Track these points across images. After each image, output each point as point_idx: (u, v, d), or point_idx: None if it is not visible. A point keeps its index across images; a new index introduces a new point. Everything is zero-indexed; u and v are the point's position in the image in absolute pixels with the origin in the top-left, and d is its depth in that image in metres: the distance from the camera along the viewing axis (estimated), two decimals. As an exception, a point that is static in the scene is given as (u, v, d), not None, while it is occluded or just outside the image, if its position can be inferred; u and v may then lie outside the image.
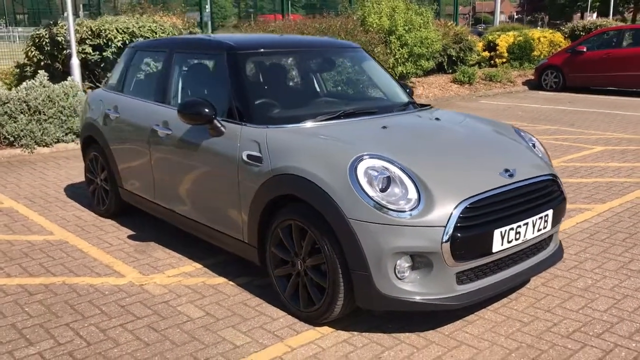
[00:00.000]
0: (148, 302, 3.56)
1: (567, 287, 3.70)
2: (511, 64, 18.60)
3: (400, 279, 2.93)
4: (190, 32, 10.96)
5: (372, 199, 2.91)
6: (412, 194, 2.94)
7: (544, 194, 3.35)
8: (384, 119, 3.78)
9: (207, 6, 24.94)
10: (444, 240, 2.87)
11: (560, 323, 3.26)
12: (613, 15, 49.78)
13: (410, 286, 2.95)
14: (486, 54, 18.94)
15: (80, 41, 9.95)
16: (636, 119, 10.59)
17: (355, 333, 3.16)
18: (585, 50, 14.87)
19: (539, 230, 3.28)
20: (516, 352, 2.97)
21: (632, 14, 48.82)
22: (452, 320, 3.28)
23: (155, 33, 10.36)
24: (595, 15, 50.00)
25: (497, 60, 18.75)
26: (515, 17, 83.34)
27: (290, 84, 4.43)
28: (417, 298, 2.95)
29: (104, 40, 10.13)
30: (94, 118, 5.07)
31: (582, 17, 54.57)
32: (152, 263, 4.16)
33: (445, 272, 2.95)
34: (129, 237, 4.71)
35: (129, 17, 10.80)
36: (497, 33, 19.92)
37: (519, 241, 3.17)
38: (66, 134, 8.28)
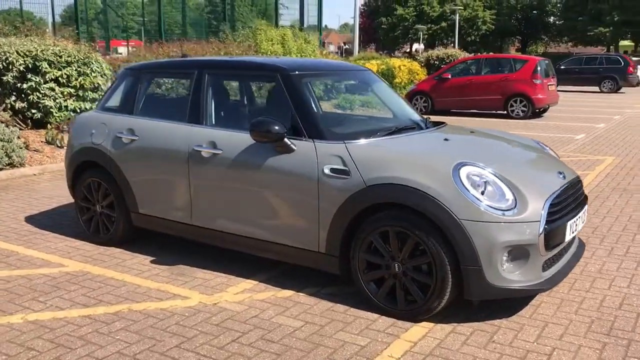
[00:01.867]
0: (239, 318, 3.59)
1: (585, 272, 4.36)
2: (376, 90, 20.04)
3: (504, 270, 3.34)
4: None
5: (478, 200, 3.31)
6: (509, 195, 3.39)
7: (582, 192, 3.99)
8: (434, 133, 4.20)
9: (47, 29, 23.71)
10: (539, 233, 3.35)
11: (605, 299, 3.87)
12: (436, 47, 55.22)
13: (512, 275, 3.37)
14: (353, 80, 20.19)
15: (-24, 65, 9.12)
16: (513, 137, 12.07)
17: (455, 324, 3.50)
18: (449, 77, 16.55)
19: (582, 222, 3.89)
20: (594, 324, 3.51)
21: (452, 45, 54.63)
22: (522, 306, 3.75)
23: (60, 57, 9.80)
24: (422, 46, 55.31)
25: (364, 86, 20.09)
26: (345, 47, 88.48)
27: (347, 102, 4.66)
28: (518, 285, 3.38)
29: (4, 63, 9.39)
30: (95, 142, 4.85)
31: (410, 48, 59.71)
32: (204, 284, 4.13)
33: (537, 261, 3.42)
34: (152, 262, 4.58)
35: (24, 40, 10.09)
36: (361, 62, 21.37)
37: (575, 232, 3.75)
38: (-19, 165, 7.59)
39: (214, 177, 4.19)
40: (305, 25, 25.61)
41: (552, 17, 58.93)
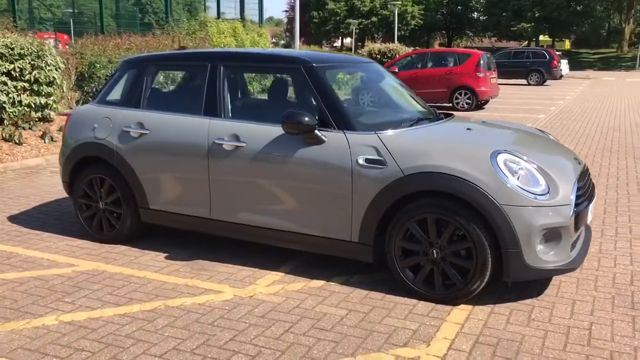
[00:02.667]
0: (281, 309, 3.60)
1: (589, 252, 4.62)
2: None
3: (539, 252, 3.52)
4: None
5: (517, 186, 3.46)
6: (542, 180, 3.56)
7: (591, 178, 4.24)
8: (453, 123, 4.33)
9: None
10: (571, 215, 3.55)
11: (616, 276, 4.14)
12: (367, 41, 55.92)
13: (547, 257, 3.55)
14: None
15: None
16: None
17: (491, 305, 3.66)
18: (397, 70, 16.87)
19: (595, 206, 4.13)
20: (616, 300, 3.75)
21: (381, 40, 55.68)
22: (544, 286, 3.95)
23: (12, 49, 9.32)
24: (350, 40, 56.26)
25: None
26: (272, 41, 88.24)
27: (363, 93, 4.71)
28: (552, 266, 3.57)
29: (-49, 56, 8.84)
30: (98, 137, 4.69)
31: (341, 42, 60.22)
32: (231, 277, 4.10)
33: (567, 242, 3.62)
34: (166, 258, 4.49)
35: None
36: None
37: (592, 215, 3.98)
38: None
39: (237, 170, 4.15)
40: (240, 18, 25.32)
41: (475, 13, 60.99)
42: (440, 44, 64.25)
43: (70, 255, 4.56)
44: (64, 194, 6.42)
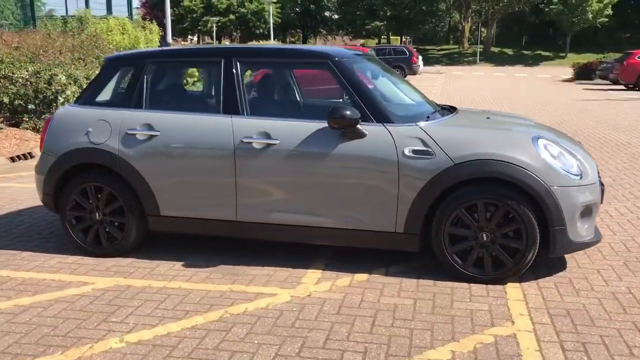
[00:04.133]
0: (350, 305, 3.57)
1: (573, 228, 5.08)
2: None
3: (578, 227, 3.83)
4: None
5: (560, 168, 3.75)
6: (574, 162, 3.88)
7: (586, 159, 4.67)
8: (472, 114, 4.54)
9: None
10: (599, 192, 3.91)
11: (613, 246, 4.61)
12: (224, 40, 55.38)
13: (583, 231, 3.88)
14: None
15: None
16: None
17: (533, 281, 3.91)
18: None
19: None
20: (630, 266, 4.19)
21: (239, 38, 55.44)
22: (562, 260, 4.30)
23: None
24: (201, 38, 55.69)
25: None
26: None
27: (381, 86, 4.70)
28: (587, 239, 3.91)
29: None
30: (95, 142, 4.28)
31: (199, 40, 59.15)
32: (272, 279, 3.98)
33: (594, 217, 3.98)
34: (186, 266, 4.23)
35: None
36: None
37: (599, 192, 4.40)
38: None
39: (270, 169, 4.03)
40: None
41: (327, 12, 62.86)
42: (291, 42, 65.39)
43: (75, 273, 4.14)
44: (11, 209, 5.80)
